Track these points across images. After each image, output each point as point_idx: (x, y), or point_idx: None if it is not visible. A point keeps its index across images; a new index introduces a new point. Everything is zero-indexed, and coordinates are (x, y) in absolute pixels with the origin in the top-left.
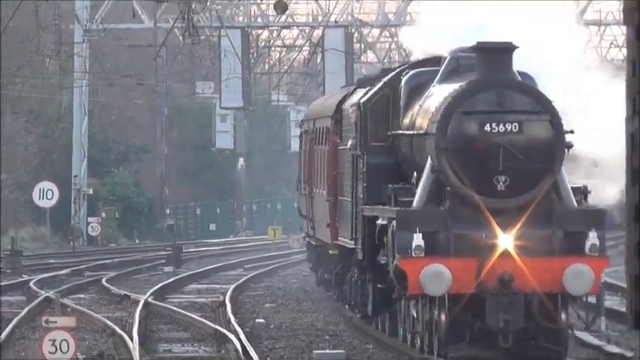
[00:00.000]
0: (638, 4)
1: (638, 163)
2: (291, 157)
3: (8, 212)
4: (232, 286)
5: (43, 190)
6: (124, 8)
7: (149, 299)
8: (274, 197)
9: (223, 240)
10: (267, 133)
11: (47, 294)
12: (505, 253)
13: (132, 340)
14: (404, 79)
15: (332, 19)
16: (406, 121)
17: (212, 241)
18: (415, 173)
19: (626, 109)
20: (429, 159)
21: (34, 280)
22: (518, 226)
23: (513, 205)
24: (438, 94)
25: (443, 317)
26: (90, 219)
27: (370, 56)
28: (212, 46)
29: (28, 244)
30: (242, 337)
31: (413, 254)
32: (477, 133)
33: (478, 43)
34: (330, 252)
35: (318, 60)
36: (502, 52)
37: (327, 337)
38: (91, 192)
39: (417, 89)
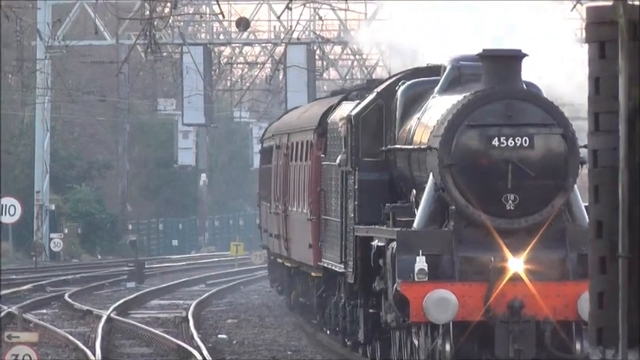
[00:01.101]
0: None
1: (598, 179)
2: (254, 174)
3: None
4: (195, 302)
5: (5, 206)
6: (85, 25)
7: (112, 315)
8: (236, 213)
9: (186, 256)
10: (229, 150)
11: (9, 309)
12: (515, 278)
13: (94, 355)
14: (400, 90)
15: (294, 36)
16: (403, 134)
17: (174, 257)
18: (414, 191)
19: (588, 125)
20: (431, 176)
21: None
22: (529, 249)
23: (523, 225)
24: (439, 105)
25: (448, 347)
26: (52, 235)
27: (332, 73)
28: (174, 63)
29: None
30: (205, 352)
31: (415, 279)
32: (484, 148)
33: (484, 50)
34: (313, 274)
35: (281, 77)
36: (510, 60)
37: (289, 353)
38: (54, 208)
39: (415, 100)
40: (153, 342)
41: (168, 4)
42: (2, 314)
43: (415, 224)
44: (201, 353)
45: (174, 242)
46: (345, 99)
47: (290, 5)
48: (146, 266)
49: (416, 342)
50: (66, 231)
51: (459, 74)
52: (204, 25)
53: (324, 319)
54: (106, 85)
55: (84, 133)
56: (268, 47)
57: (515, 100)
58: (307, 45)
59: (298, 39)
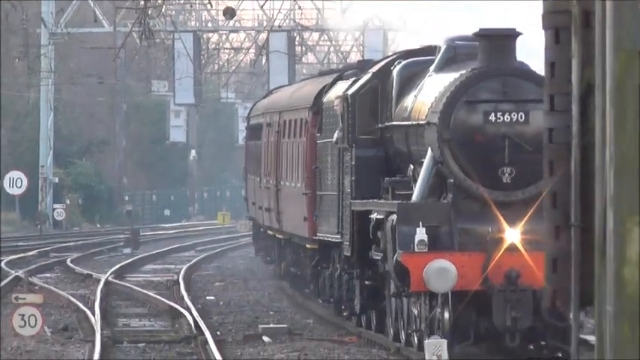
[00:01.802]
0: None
1: (553, 154)
2: (239, 150)
3: None
4: (185, 267)
5: (13, 179)
6: (85, 14)
7: (109, 278)
8: (223, 185)
9: (177, 224)
10: (216, 128)
11: (17, 273)
12: (512, 248)
13: (94, 315)
14: (395, 70)
15: (276, 24)
16: (400, 112)
17: (166, 225)
18: (412, 166)
19: (544, 106)
20: (430, 150)
21: (4, 261)
22: (525, 220)
23: (519, 198)
24: (436, 83)
25: (446, 315)
26: (55, 205)
27: (310, 58)
28: (166, 49)
29: None
30: (194, 312)
31: (416, 249)
32: (482, 123)
33: (480, 29)
34: (308, 246)
35: (263, 61)
36: (506, 38)
37: (271, 313)
38: (57, 181)
39: (411, 79)
40: (147, 303)
41: None
42: (9, 278)
43: (414, 197)
44: (190, 313)
45: (167, 212)
46: (340, 79)
47: None
48: (141, 234)
49: (415, 311)
50: (68, 202)
51: (455, 53)
52: (193, 13)
53: (318, 289)
54: (104, 68)
55: (84, 113)
56: (252, 34)
57: (510, 77)
58: (288, 32)
59: (279, 27)
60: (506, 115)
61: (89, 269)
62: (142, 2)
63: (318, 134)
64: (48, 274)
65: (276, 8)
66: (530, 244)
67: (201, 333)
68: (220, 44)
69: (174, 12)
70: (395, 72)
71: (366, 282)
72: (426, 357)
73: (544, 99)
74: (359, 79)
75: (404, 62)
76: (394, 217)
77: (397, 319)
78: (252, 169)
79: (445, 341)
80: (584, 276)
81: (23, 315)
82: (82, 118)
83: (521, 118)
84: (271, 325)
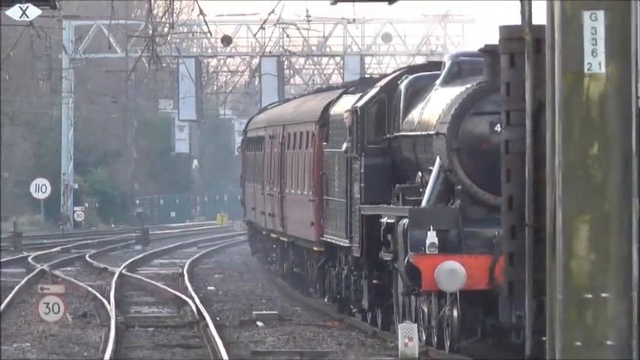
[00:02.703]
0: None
1: (510, 163)
2: (235, 160)
3: (10, 203)
4: (189, 261)
5: (38, 185)
6: (101, 41)
7: (123, 271)
8: (221, 191)
9: (181, 224)
10: (215, 141)
11: (42, 267)
12: None
13: (109, 303)
14: (403, 84)
15: (267, 50)
16: (407, 123)
17: (172, 225)
18: (420, 173)
19: (502, 120)
20: (438, 159)
21: (31, 256)
22: None
23: None
24: (443, 96)
25: (455, 313)
26: (75, 208)
27: (297, 80)
28: (172, 72)
29: (26, 228)
30: (197, 300)
31: (427, 251)
32: (488, 134)
33: (486, 45)
34: (315, 249)
35: (256, 83)
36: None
37: (264, 301)
38: (76, 187)
39: (418, 93)
40: (155, 293)
41: (167, 25)
42: (35, 271)
43: (424, 203)
44: (194, 301)
45: (172, 214)
46: (345, 93)
47: (264, 26)
48: (150, 233)
49: (425, 309)
50: (86, 205)
51: (459, 68)
52: (195, 41)
53: (324, 288)
54: (117, 89)
55: (100, 128)
56: (246, 59)
57: None
58: (277, 57)
59: (270, 52)
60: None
61: (105, 263)
62: (150, 32)
63: (325, 144)
64: (69, 268)
65: (267, 36)
66: None
67: (203, 319)
68: (219, 68)
69: (178, 40)
70: (403, 86)
71: (374, 281)
72: (399, 339)
73: (501, 115)
74: (366, 93)
75: (411, 77)
76: (405, 221)
77: (404, 316)
78: (252, 177)
79: (415, 325)
80: (536, 268)
81: (48, 303)
82: (98, 132)
83: None
84: (264, 312)
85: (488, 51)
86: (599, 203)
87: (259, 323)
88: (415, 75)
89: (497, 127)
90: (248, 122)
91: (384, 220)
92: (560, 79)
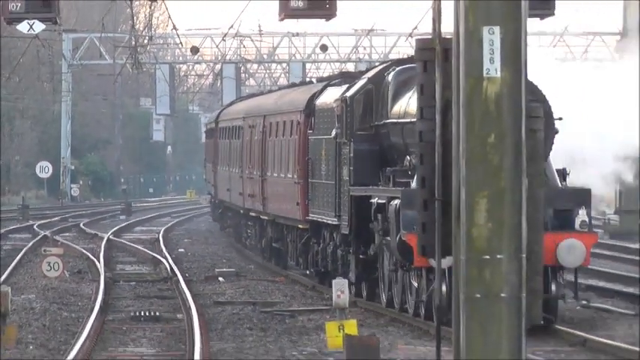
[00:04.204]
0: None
1: (423, 149)
2: (202, 146)
3: (19, 181)
4: (164, 228)
5: (42, 166)
6: (93, 50)
7: (110, 236)
8: (190, 171)
9: (158, 199)
10: (185, 131)
11: (45, 233)
12: None
13: (99, 262)
14: (391, 75)
15: (227, 57)
16: (396, 111)
17: (151, 199)
18: (408, 157)
19: (416, 115)
20: None
21: (36, 224)
22: None
23: None
24: None
25: (444, 288)
26: (72, 185)
27: (252, 82)
28: (150, 75)
29: (32, 201)
30: (170, 260)
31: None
32: None
33: None
34: (301, 226)
35: (218, 84)
36: None
37: (224, 261)
38: (73, 168)
39: (406, 83)
40: (137, 254)
41: (147, 38)
42: (39, 237)
43: (413, 184)
44: (167, 261)
45: (151, 190)
46: (329, 85)
47: (224, 38)
48: (132, 205)
49: (415, 283)
50: (81, 183)
51: None
52: (169, 50)
53: (307, 262)
54: (106, 89)
55: (92, 120)
56: (210, 65)
57: None
58: (235, 64)
59: (230, 60)
60: None
61: (96, 230)
62: (133, 43)
63: (311, 131)
64: (67, 234)
65: (228, 46)
66: None
67: (175, 275)
68: (188, 72)
69: (155, 49)
70: (391, 77)
71: (361, 256)
72: (333, 292)
73: (416, 112)
74: (354, 84)
75: (398, 68)
76: (397, 201)
77: (390, 289)
78: (227, 161)
79: (346, 280)
80: (444, 235)
81: (49, 262)
82: (91, 124)
83: None
84: (224, 269)
85: None
86: (495, 182)
87: (220, 279)
88: (402, 67)
89: None
90: (218, 115)
91: (375, 200)
92: (464, 82)
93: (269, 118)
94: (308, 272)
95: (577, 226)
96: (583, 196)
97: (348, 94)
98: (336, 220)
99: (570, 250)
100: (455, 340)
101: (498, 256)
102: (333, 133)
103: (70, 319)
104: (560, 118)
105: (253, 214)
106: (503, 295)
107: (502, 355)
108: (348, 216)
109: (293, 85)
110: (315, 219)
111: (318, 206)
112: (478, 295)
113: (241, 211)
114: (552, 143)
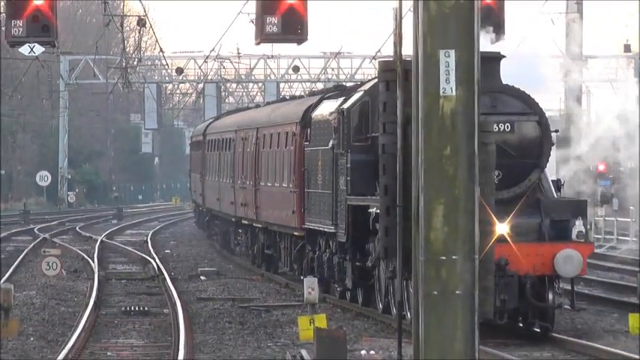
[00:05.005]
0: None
1: (385, 160)
2: (186, 158)
3: (21, 188)
4: (152, 231)
5: (42, 175)
6: (88, 71)
7: (103, 239)
8: (175, 180)
9: (146, 205)
10: (171, 144)
11: (44, 236)
12: (501, 240)
13: (93, 262)
14: None
15: (209, 77)
16: None
17: (140, 205)
18: None
19: (379, 129)
20: None
21: (36, 228)
22: (511, 215)
23: (505, 196)
24: None
25: None
26: (69, 192)
27: (231, 100)
28: (139, 94)
29: (33, 207)
30: (157, 260)
31: None
32: None
33: None
34: (296, 234)
35: (201, 102)
36: (492, 60)
37: (206, 261)
38: (70, 177)
39: None
40: (127, 254)
41: (136, 59)
42: (39, 239)
43: None
44: (155, 261)
45: (140, 197)
46: (325, 99)
47: (206, 60)
48: (123, 211)
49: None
50: (77, 190)
51: None
52: (156, 71)
53: (302, 268)
54: (100, 106)
55: (87, 134)
56: (194, 84)
57: (498, 93)
58: (216, 83)
59: (211, 79)
60: (494, 126)
61: (90, 233)
62: (124, 64)
63: (307, 142)
64: (64, 236)
65: (209, 68)
66: (516, 237)
67: (162, 273)
68: (173, 91)
69: (144, 70)
70: None
71: (357, 264)
72: (304, 289)
73: (378, 126)
74: (350, 96)
75: None
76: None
77: (386, 296)
78: (216, 172)
79: (316, 279)
80: (405, 238)
81: (49, 262)
82: (86, 137)
83: (507, 128)
84: (206, 269)
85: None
86: (450, 190)
87: (202, 277)
88: None
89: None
90: (206, 128)
91: (374, 210)
92: (422, 99)
93: (262, 130)
94: (302, 278)
95: (574, 236)
96: (579, 207)
97: (345, 106)
98: (333, 228)
99: (568, 260)
100: (414, 332)
101: (453, 257)
102: (330, 144)
103: (67, 313)
104: (557, 131)
105: (245, 222)
106: (458, 292)
107: (457, 346)
108: (345, 224)
109: (283, 100)
110: (311, 227)
111: (315, 215)
112: (435, 292)
113: (233, 219)
114: (549, 155)
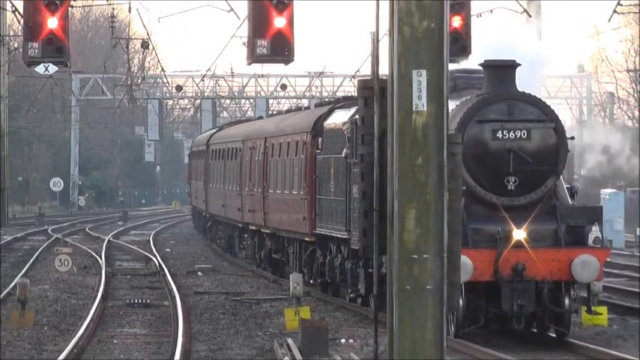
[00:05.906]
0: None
1: (364, 169)
2: (185, 166)
3: (37, 193)
4: (153, 232)
5: (55, 181)
6: (97, 87)
7: (110, 239)
8: (175, 186)
9: (149, 208)
10: (172, 154)
11: (57, 236)
12: (518, 245)
13: (101, 259)
14: None
15: (205, 94)
16: None
17: (143, 209)
18: None
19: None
20: None
21: (50, 229)
22: (528, 221)
23: (522, 202)
24: None
25: (460, 302)
26: (79, 197)
27: (225, 114)
28: (143, 108)
29: (47, 210)
30: (159, 258)
31: None
32: (491, 139)
33: (486, 60)
34: (307, 239)
35: (198, 116)
36: (508, 68)
37: (202, 259)
38: (80, 183)
39: None
40: (132, 253)
41: (140, 78)
42: (53, 238)
43: None
44: (156, 259)
45: (143, 201)
46: (336, 108)
47: (203, 79)
48: (128, 214)
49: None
50: (86, 195)
51: (455, 84)
52: (158, 88)
53: (312, 272)
54: (107, 120)
55: (96, 145)
56: (192, 100)
57: (515, 100)
58: (212, 99)
59: (207, 96)
60: (511, 133)
61: (98, 233)
62: (129, 82)
63: (318, 151)
64: (75, 236)
65: (206, 85)
66: (533, 242)
67: (163, 270)
68: (173, 106)
69: (147, 87)
70: None
71: (369, 270)
72: (290, 284)
73: (358, 137)
74: None
75: None
76: None
77: None
78: (221, 180)
79: (301, 275)
80: (381, 238)
81: (61, 259)
82: (95, 147)
83: (523, 135)
84: (202, 266)
85: (489, 65)
86: (422, 195)
87: (199, 273)
88: None
89: (499, 134)
90: (209, 139)
91: None
92: (397, 114)
93: (270, 139)
94: (312, 282)
95: (590, 242)
96: (595, 213)
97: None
98: (346, 234)
99: (584, 265)
100: (389, 323)
101: (425, 256)
102: (344, 153)
103: (77, 305)
104: (573, 138)
105: (253, 227)
106: (428, 287)
107: (427, 335)
108: (359, 231)
109: (289, 111)
110: (322, 232)
111: (327, 221)
112: (408, 287)
113: (239, 225)
114: (565, 162)
